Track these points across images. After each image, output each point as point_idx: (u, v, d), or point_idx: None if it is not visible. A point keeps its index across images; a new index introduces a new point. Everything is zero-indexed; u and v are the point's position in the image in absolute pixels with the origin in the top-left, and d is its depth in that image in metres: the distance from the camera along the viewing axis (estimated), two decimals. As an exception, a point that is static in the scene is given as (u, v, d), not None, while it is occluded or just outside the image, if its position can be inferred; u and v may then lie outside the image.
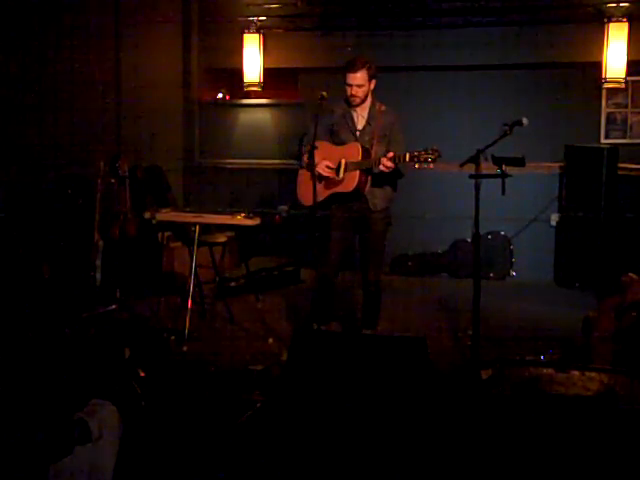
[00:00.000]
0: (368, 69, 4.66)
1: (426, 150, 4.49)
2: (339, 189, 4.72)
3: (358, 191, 4.70)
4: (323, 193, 4.78)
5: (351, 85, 4.65)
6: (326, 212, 4.88)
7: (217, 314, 5.89)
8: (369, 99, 4.77)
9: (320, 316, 4.99)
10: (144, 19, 7.27)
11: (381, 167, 4.55)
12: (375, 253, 4.91)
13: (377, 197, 4.79)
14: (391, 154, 4.55)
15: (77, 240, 6.07)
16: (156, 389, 3.79)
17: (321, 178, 4.76)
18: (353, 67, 4.64)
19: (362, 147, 4.68)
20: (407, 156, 4.53)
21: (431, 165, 4.52)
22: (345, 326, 5.45)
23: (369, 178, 4.71)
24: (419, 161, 4.53)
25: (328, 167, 4.71)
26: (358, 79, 4.64)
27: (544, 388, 3.43)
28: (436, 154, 4.47)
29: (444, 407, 3.43)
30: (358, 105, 4.73)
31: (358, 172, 4.65)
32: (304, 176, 4.87)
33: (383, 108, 4.80)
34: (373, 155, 4.68)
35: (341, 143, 4.77)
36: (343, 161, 4.65)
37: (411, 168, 4.61)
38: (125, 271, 6.15)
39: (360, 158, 4.65)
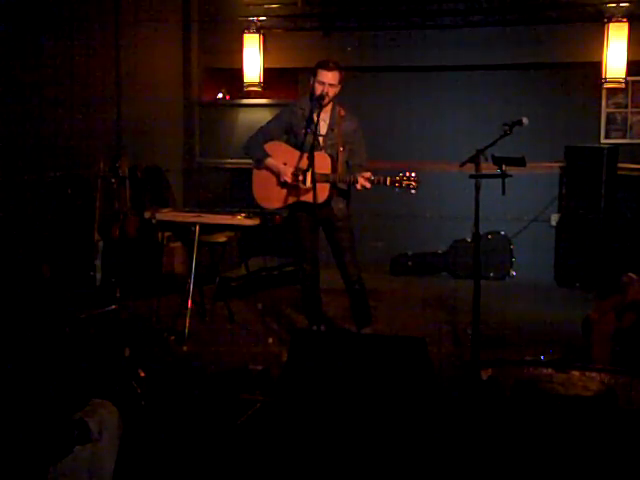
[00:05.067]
0: (340, 71, 4.63)
1: (407, 177, 4.51)
2: (307, 198, 4.61)
3: (327, 202, 4.69)
4: (287, 199, 4.75)
5: (324, 83, 4.58)
6: (291, 214, 4.88)
7: (217, 314, 5.89)
8: (331, 103, 4.72)
9: (311, 316, 4.99)
10: (144, 19, 7.27)
11: (357, 186, 4.57)
12: (349, 252, 4.88)
13: (341, 202, 4.80)
14: (368, 174, 4.56)
15: (77, 240, 6.07)
16: (156, 389, 3.79)
17: (285, 184, 4.74)
18: (329, 66, 4.60)
19: (331, 159, 4.64)
20: (388, 180, 4.54)
21: (412, 191, 4.53)
22: (336, 328, 5.45)
23: (335, 190, 4.70)
24: (400, 187, 4.55)
25: (293, 174, 4.68)
26: (332, 78, 4.59)
27: (544, 388, 3.43)
28: (417, 182, 4.50)
29: (444, 407, 3.43)
30: (326, 105, 4.64)
31: (328, 185, 4.62)
32: (262, 177, 4.81)
33: (343, 113, 4.76)
34: (340, 165, 4.67)
35: (300, 145, 4.66)
36: (311, 170, 4.43)
37: (412, 168, 4.61)
38: (125, 271, 6.15)
39: (330, 171, 4.61)
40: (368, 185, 4.56)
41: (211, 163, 8.17)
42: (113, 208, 6.28)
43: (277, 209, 4.89)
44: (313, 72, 4.65)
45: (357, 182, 4.56)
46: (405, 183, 4.53)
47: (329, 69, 4.59)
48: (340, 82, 4.65)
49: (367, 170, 4.64)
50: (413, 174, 4.53)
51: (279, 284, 6.84)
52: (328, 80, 4.59)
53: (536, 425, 3.21)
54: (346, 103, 4.87)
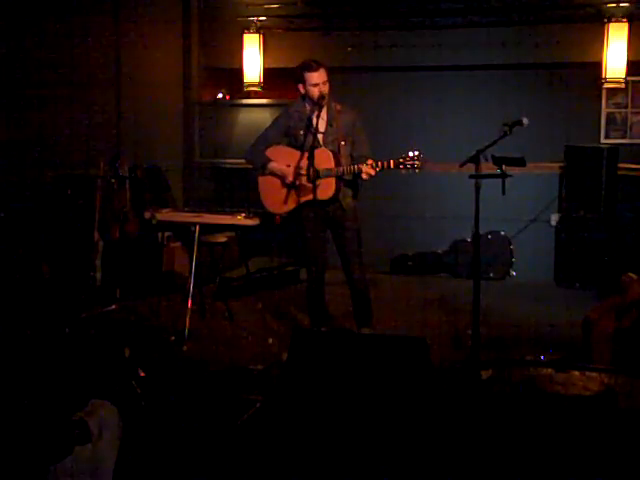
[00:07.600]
0: (325, 67, 4.64)
1: (411, 157, 4.49)
2: (315, 196, 4.54)
3: (335, 197, 4.68)
4: (295, 201, 4.73)
5: (317, 84, 4.58)
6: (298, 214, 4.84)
7: (217, 314, 5.89)
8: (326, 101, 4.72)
9: (315, 318, 4.98)
10: (144, 19, 7.27)
11: (363, 175, 4.54)
12: (355, 251, 4.86)
13: (348, 196, 4.78)
14: (371, 161, 4.54)
15: (77, 240, 6.07)
16: (156, 389, 3.79)
17: (292, 186, 4.72)
18: (313, 67, 4.60)
19: (333, 153, 4.62)
20: (392, 163, 4.52)
21: (417, 170, 4.51)
22: (336, 328, 5.45)
23: (341, 182, 4.68)
24: (405, 167, 4.53)
25: (296, 173, 4.66)
26: (321, 77, 4.59)
27: (544, 388, 3.43)
28: (421, 159, 4.48)
29: (444, 407, 3.43)
30: (324, 104, 4.64)
31: (334, 179, 4.61)
32: (268, 183, 4.81)
33: (339, 107, 4.76)
34: (343, 159, 4.66)
35: (301, 145, 4.65)
36: (316, 168, 4.43)
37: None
38: (125, 271, 6.15)
39: (333, 165, 4.59)
40: (372, 172, 4.54)
41: (211, 163, 8.17)
42: (113, 208, 6.28)
43: (288, 212, 4.86)
44: (300, 78, 4.64)
45: (362, 172, 4.55)
46: (409, 163, 4.51)
47: (315, 70, 4.59)
48: (328, 77, 4.65)
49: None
50: (416, 152, 4.50)
51: (279, 284, 6.84)
52: (320, 80, 4.60)
53: (536, 425, 3.21)
54: (346, 103, 4.86)
